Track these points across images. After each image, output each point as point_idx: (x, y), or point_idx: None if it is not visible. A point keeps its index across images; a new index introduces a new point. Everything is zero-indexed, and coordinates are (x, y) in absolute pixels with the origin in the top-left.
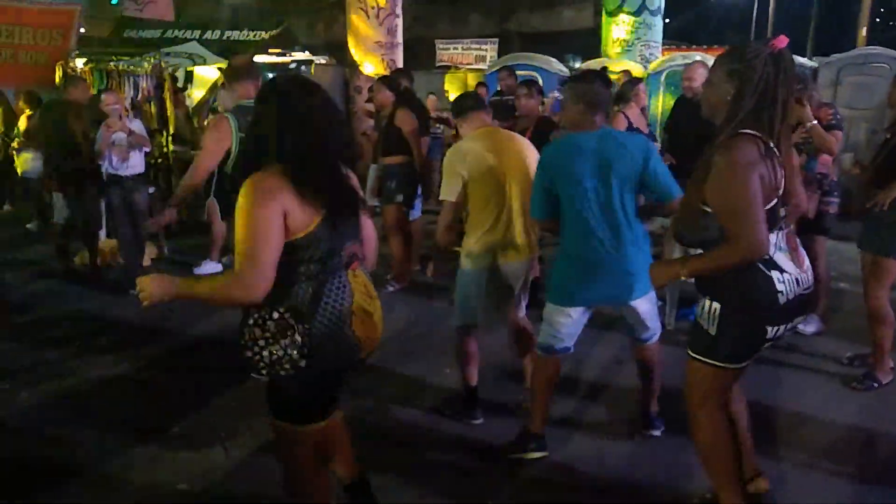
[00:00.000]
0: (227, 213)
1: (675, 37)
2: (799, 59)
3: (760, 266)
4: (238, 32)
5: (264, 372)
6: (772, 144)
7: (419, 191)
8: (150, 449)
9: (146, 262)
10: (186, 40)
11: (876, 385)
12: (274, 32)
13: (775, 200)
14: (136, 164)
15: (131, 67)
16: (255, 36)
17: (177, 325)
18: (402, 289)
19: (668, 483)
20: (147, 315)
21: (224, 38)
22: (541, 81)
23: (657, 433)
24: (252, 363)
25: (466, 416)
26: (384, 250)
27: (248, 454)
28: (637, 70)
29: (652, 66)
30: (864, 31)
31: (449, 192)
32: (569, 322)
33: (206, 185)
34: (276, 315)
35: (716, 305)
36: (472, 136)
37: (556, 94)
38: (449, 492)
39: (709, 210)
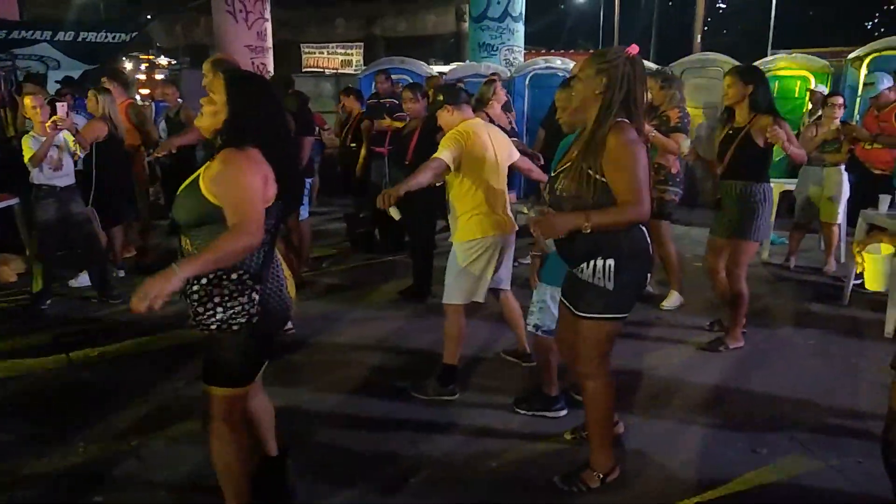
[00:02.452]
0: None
1: (534, 42)
2: (646, 63)
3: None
4: (95, 34)
5: (214, 328)
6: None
7: (307, 191)
8: (63, 461)
9: (13, 277)
10: (37, 41)
11: (723, 349)
12: (135, 34)
13: None
14: (69, 171)
15: None
16: (114, 38)
17: (70, 338)
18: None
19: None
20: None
21: (80, 39)
22: None
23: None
24: (203, 319)
25: (446, 393)
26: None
27: (162, 461)
28: (502, 73)
29: (516, 70)
30: (698, 39)
31: (447, 155)
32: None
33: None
34: (234, 276)
35: (610, 262)
36: (472, 123)
37: None
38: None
39: (599, 178)
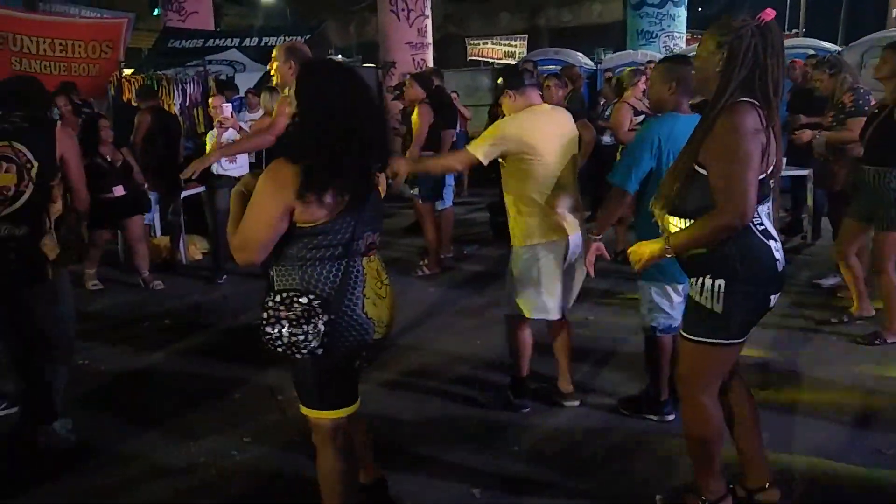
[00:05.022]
0: None
1: (706, 26)
2: (823, 44)
3: (760, 237)
4: (275, 38)
5: (280, 350)
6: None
7: (450, 181)
8: (214, 412)
9: (198, 255)
10: (227, 48)
11: (879, 342)
12: (309, 37)
13: (765, 172)
14: (242, 163)
15: (179, 75)
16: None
17: (238, 307)
18: (434, 274)
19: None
20: (211, 301)
21: (262, 44)
22: None
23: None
24: (270, 340)
25: (518, 406)
26: (418, 238)
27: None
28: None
29: None
30: (894, 13)
31: (480, 151)
32: (678, 298)
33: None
34: (304, 300)
35: (719, 282)
36: (532, 110)
37: None
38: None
39: (701, 172)
